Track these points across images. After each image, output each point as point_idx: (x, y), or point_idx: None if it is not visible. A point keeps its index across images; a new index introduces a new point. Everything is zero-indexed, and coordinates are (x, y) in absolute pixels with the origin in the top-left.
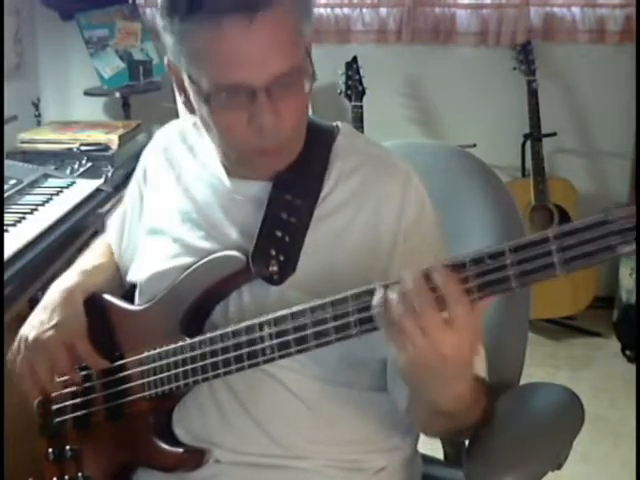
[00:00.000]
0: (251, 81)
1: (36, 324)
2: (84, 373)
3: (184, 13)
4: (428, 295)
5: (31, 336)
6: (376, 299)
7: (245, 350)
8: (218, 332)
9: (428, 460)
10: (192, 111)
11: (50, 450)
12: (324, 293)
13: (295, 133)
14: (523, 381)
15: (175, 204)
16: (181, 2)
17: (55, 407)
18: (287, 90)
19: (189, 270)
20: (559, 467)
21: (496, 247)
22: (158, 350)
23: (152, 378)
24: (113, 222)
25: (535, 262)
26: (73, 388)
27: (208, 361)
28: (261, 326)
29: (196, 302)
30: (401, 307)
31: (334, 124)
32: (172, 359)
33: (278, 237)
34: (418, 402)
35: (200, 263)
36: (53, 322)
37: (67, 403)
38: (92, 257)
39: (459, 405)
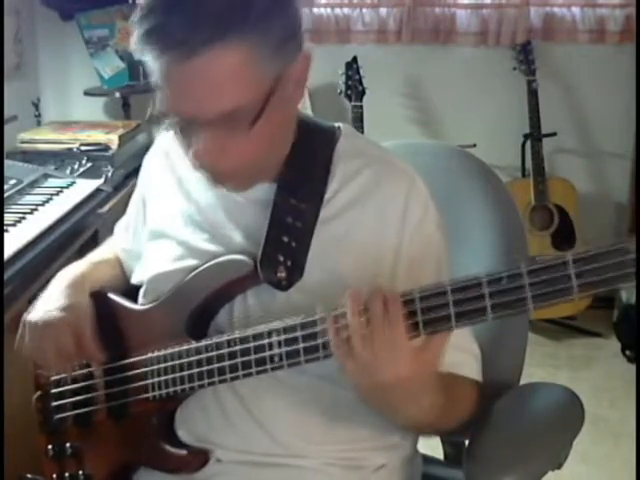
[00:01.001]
0: (194, 116)
1: (42, 307)
2: (87, 370)
3: (139, 39)
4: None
5: (40, 319)
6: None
7: (253, 357)
8: (225, 337)
9: (428, 460)
10: None
11: (50, 447)
12: (330, 296)
13: (244, 169)
14: (523, 381)
15: (178, 207)
16: (138, 29)
17: (55, 404)
18: (233, 129)
19: (196, 272)
20: (559, 467)
21: (513, 269)
22: (163, 352)
23: (156, 380)
24: (119, 230)
25: (552, 285)
26: (74, 374)
27: (215, 366)
28: (269, 333)
29: (202, 304)
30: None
31: (335, 125)
32: (177, 362)
33: (285, 242)
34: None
35: (207, 265)
36: (60, 304)
37: (68, 400)
38: (101, 252)
39: (431, 414)
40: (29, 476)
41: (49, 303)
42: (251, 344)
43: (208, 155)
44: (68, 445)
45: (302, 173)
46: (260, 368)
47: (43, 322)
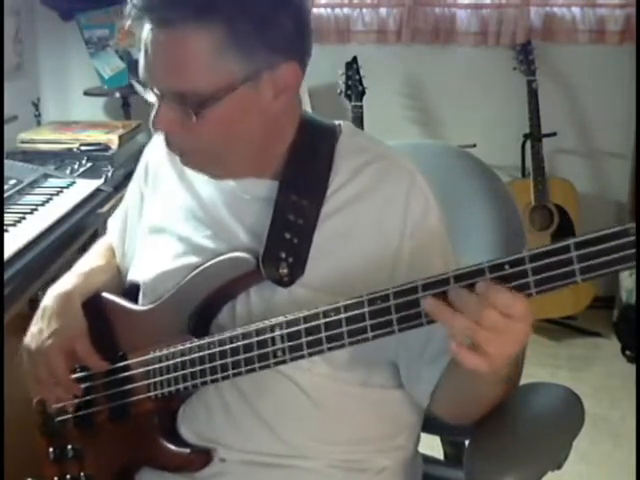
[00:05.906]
0: (155, 84)
1: (35, 333)
2: (88, 373)
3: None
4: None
5: (32, 347)
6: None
7: (256, 352)
8: (227, 334)
9: (428, 460)
10: None
11: (51, 449)
12: (332, 291)
13: (200, 153)
14: (523, 381)
15: (179, 202)
16: None
17: (56, 406)
18: (184, 110)
19: (198, 270)
20: (559, 467)
21: (516, 255)
22: (165, 351)
23: (158, 379)
24: (114, 222)
25: (555, 270)
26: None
27: (217, 363)
28: (272, 328)
29: (204, 302)
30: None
31: (336, 123)
32: (179, 359)
33: (287, 239)
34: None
35: (210, 263)
36: (52, 329)
37: (69, 402)
38: (90, 259)
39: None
40: None
41: (41, 326)
42: (254, 339)
43: (160, 124)
44: (69, 447)
45: (304, 170)
46: (263, 363)
47: (35, 350)
